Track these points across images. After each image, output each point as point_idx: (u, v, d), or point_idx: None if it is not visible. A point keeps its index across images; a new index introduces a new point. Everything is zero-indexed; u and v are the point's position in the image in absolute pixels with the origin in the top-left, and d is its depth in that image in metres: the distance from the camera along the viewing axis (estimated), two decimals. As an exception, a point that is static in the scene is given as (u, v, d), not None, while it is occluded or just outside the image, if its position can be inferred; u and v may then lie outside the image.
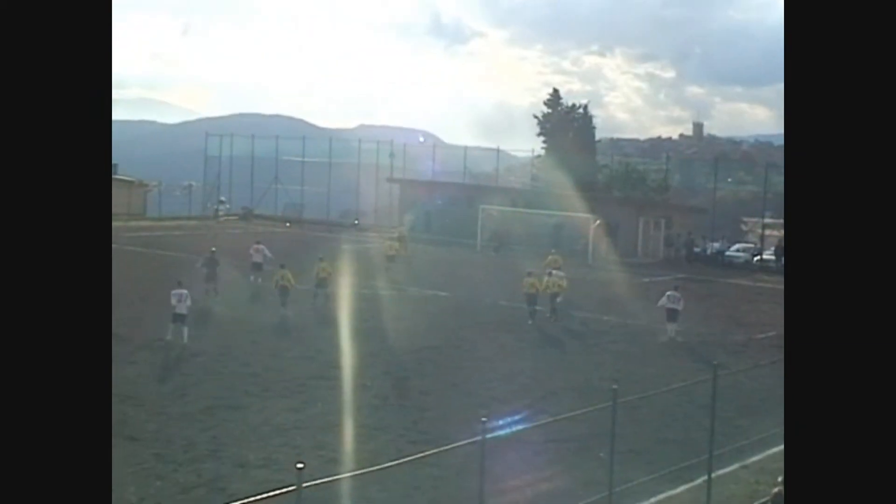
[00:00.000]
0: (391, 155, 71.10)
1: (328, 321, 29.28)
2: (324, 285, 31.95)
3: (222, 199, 71.22)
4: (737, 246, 56.51)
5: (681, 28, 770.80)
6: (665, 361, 25.54)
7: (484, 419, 10.42)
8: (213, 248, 34.74)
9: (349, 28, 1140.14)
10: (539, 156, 69.89)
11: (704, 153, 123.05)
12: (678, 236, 55.23)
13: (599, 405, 13.36)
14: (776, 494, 11.22)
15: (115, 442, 11.78)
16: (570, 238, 51.40)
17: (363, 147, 72.73)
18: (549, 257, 39.93)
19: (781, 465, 13.98)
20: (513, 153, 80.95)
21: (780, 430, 16.02)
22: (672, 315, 28.71)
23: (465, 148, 71.74)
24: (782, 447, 15.86)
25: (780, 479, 11.23)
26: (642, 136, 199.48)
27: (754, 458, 16.43)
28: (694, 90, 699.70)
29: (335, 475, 11.30)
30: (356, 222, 66.25)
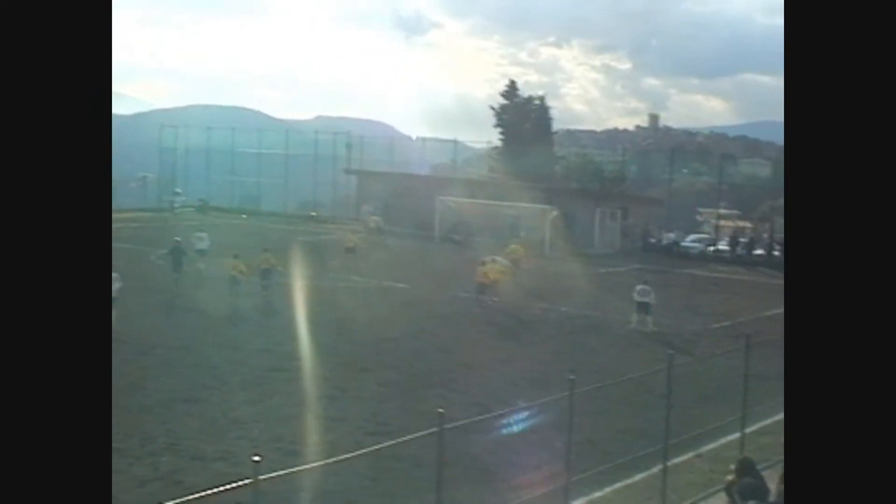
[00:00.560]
0: (348, 146, 70.94)
1: (273, 312, 29.53)
2: (267, 276, 31.80)
3: (178, 190, 70.53)
4: (692, 236, 57.17)
5: (638, 20, 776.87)
6: (622, 352, 25.79)
7: (441, 410, 10.43)
8: (178, 238, 34.74)
9: (308, 19, 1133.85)
10: (496, 147, 70.09)
11: (660, 144, 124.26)
12: (634, 227, 55.70)
13: (557, 395, 13.42)
14: (729, 483, 11.35)
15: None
16: (527, 228, 51.66)
17: (320, 138, 72.55)
18: (511, 247, 40.09)
19: (735, 453, 14.24)
20: (470, 144, 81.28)
21: (734, 417, 16.35)
22: (644, 308, 29.22)
23: (423, 139, 71.83)
24: (737, 435, 16.18)
25: (732, 466, 11.36)
26: (599, 128, 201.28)
27: (709, 447, 16.63)
28: (650, 82, 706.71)
29: (293, 467, 11.23)
30: (313, 214, 65.99)
